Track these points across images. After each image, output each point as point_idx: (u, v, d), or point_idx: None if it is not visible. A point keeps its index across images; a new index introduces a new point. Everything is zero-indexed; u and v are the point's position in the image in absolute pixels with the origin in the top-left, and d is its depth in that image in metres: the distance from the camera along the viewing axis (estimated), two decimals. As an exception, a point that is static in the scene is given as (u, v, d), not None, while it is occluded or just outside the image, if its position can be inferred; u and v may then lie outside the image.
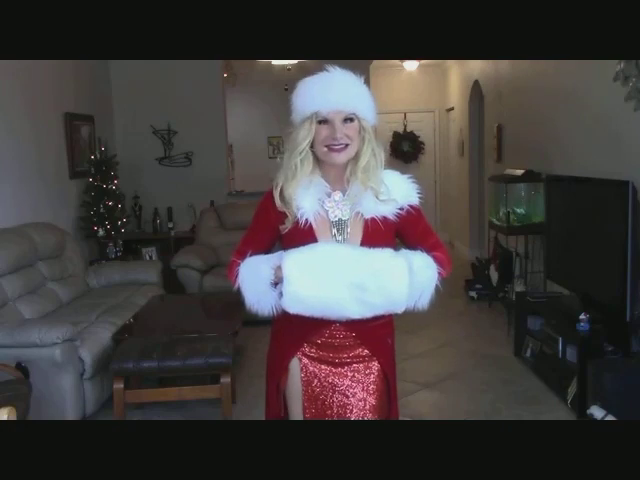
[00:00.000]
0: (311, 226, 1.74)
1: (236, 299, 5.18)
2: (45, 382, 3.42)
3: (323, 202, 1.76)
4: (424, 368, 4.44)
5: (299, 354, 1.83)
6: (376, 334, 1.83)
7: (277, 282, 1.70)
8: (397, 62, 9.05)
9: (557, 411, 3.66)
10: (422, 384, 4.11)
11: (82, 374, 3.61)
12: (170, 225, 6.87)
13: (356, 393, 1.81)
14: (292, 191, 1.73)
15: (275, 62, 8.04)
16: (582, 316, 3.62)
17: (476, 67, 7.33)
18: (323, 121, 1.70)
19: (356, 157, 1.75)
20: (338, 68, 1.71)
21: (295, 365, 1.83)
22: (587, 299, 3.82)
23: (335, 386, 1.82)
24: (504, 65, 6.12)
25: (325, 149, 1.72)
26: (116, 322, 4.10)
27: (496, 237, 5.72)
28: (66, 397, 3.51)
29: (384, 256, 1.69)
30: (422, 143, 9.76)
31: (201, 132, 6.94)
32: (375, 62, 7.84)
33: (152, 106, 6.83)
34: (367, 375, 1.83)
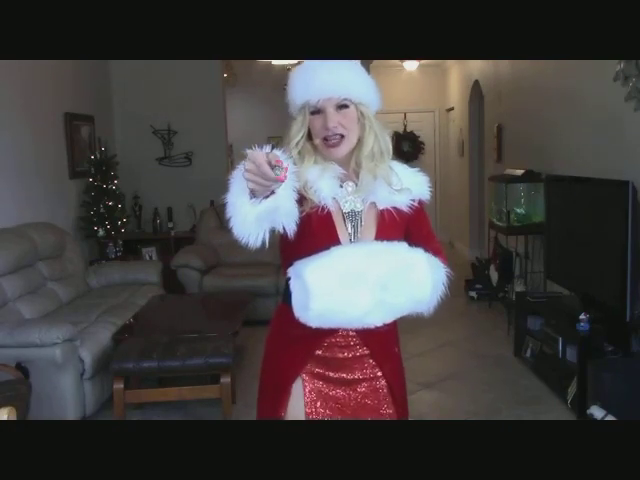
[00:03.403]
0: (329, 213, 1.60)
1: (236, 299, 5.19)
2: (45, 382, 3.42)
3: (338, 190, 1.62)
4: (424, 368, 4.44)
5: (302, 373, 1.66)
6: (383, 340, 1.69)
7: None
8: (397, 62, 9.05)
9: (557, 411, 3.67)
10: (422, 384, 4.11)
11: (82, 374, 3.61)
12: (170, 225, 6.87)
13: (364, 413, 1.69)
14: (304, 177, 1.57)
15: (275, 62, 8.04)
16: (582, 316, 3.62)
17: (476, 67, 7.33)
18: (316, 111, 1.58)
19: (359, 145, 1.63)
20: None
21: (298, 386, 1.65)
22: (587, 299, 3.82)
23: (342, 407, 1.68)
24: (504, 65, 6.12)
25: (322, 142, 1.59)
26: (116, 322, 4.11)
27: (496, 237, 5.72)
28: (66, 397, 3.51)
29: (402, 250, 1.57)
30: (422, 143, 9.77)
31: (201, 132, 6.94)
32: (375, 62, 7.83)
33: (152, 106, 6.83)
34: (376, 394, 1.70)
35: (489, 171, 6.73)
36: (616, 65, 3.58)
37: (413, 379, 4.15)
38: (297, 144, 1.61)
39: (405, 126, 9.74)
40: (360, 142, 1.62)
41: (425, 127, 9.82)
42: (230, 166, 7.64)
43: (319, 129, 1.58)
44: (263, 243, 1.43)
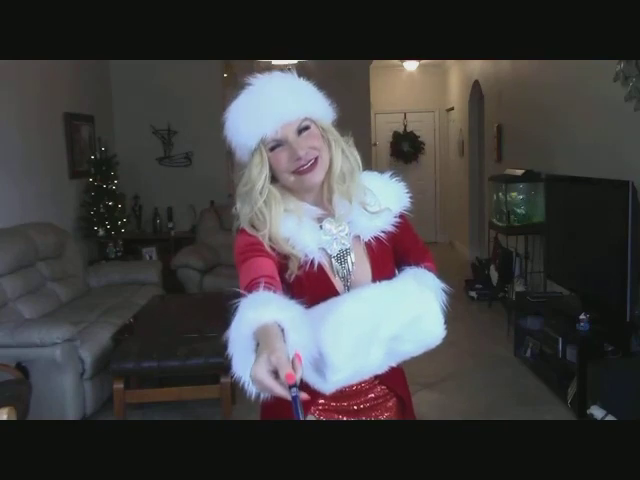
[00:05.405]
0: (320, 266, 1.43)
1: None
2: (45, 382, 3.42)
3: (320, 234, 1.45)
4: (424, 368, 4.43)
5: (312, 409, 1.54)
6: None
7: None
8: (397, 62, 9.06)
9: (557, 411, 3.67)
10: (422, 384, 4.10)
11: (82, 374, 3.62)
12: (170, 225, 6.87)
13: None
14: (280, 233, 1.39)
15: (275, 62, 8.05)
16: (582, 316, 3.62)
17: (476, 67, 7.34)
18: (276, 145, 1.38)
19: (329, 168, 1.44)
20: (260, 75, 1.45)
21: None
22: (587, 299, 3.82)
23: None
24: (504, 65, 6.12)
25: (293, 177, 1.39)
26: (116, 322, 4.11)
27: (496, 237, 5.72)
28: (66, 397, 3.52)
29: (413, 295, 1.43)
30: (422, 143, 9.78)
31: (201, 132, 6.94)
32: (375, 62, 7.84)
33: (152, 106, 6.84)
34: (386, 412, 1.64)
35: (489, 171, 6.73)
36: (616, 65, 3.58)
37: (413, 379, 4.11)
38: (262, 191, 1.39)
39: (405, 126, 9.75)
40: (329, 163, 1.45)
41: (425, 127, 9.83)
42: (230, 166, 7.64)
43: (287, 163, 1.38)
44: None
